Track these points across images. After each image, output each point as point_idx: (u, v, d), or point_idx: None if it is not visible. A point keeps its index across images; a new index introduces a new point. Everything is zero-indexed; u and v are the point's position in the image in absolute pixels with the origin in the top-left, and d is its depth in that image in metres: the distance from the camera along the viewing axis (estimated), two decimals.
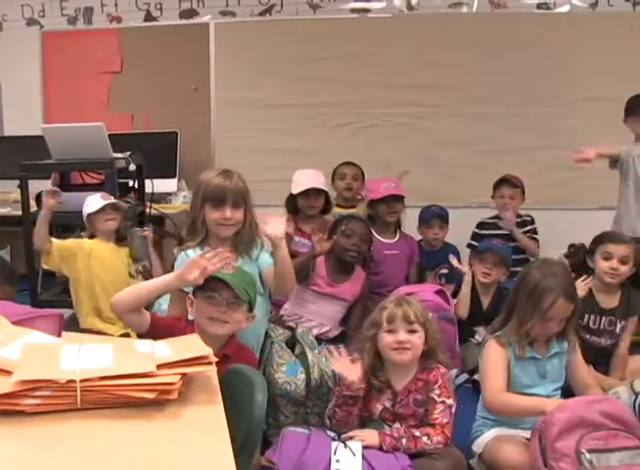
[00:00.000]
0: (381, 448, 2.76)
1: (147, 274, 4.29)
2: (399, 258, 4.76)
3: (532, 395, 2.99)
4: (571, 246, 4.15)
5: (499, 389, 2.92)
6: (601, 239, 4.00)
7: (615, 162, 4.81)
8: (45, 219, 4.14)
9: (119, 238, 4.35)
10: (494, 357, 3.00)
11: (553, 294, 2.93)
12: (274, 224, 3.14)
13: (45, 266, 4.32)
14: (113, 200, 4.24)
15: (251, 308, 2.94)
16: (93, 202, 4.20)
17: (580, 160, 4.53)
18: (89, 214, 4.21)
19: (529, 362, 3.03)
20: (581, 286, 3.73)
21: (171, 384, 1.73)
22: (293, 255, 3.97)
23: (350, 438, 2.79)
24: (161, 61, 6.33)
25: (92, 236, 4.29)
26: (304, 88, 6.19)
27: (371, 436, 2.80)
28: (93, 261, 4.21)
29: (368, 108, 6.17)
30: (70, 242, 4.25)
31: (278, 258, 3.17)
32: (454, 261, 4.56)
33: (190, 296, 2.91)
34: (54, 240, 4.19)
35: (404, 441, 2.77)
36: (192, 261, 2.80)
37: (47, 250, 4.16)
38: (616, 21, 5.97)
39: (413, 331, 2.92)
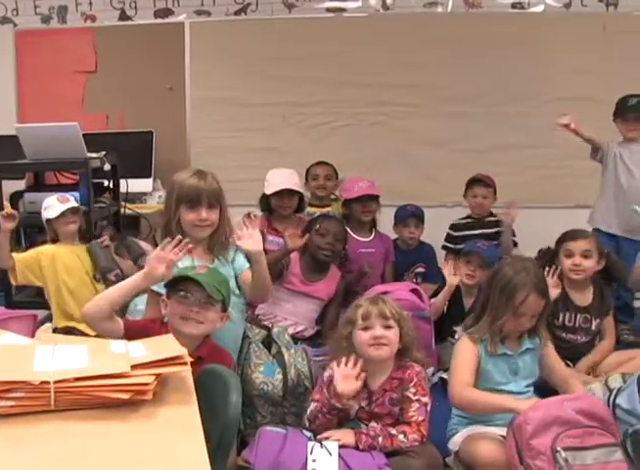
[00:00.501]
0: (357, 447, 2.76)
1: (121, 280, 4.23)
2: (375, 257, 4.77)
3: (504, 391, 3.01)
4: (540, 251, 4.18)
5: (466, 385, 2.93)
6: (561, 239, 4.09)
7: (595, 152, 4.87)
8: (4, 241, 4.08)
9: (83, 237, 4.31)
10: (464, 354, 3.02)
11: (525, 289, 2.96)
12: (252, 239, 3.13)
13: (16, 283, 4.25)
14: (71, 203, 4.17)
15: (224, 308, 2.93)
16: (51, 206, 4.14)
17: (562, 124, 4.63)
18: (48, 219, 4.16)
19: (501, 359, 3.05)
20: (552, 283, 3.75)
21: (146, 384, 1.73)
22: (266, 253, 4.01)
23: (327, 438, 2.79)
24: (136, 60, 6.30)
25: (54, 239, 4.25)
26: (280, 87, 6.18)
27: (347, 435, 2.80)
28: (58, 267, 4.16)
29: (344, 107, 6.18)
30: (32, 252, 4.19)
31: (257, 271, 3.17)
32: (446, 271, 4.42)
33: (163, 298, 2.89)
34: (15, 256, 4.13)
35: (380, 439, 2.78)
36: (154, 257, 2.80)
37: (12, 267, 4.12)
38: (589, 21, 6.01)
39: (389, 327, 2.93)
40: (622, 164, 4.85)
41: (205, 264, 2.98)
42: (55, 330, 4.09)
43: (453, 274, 4.28)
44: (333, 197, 5.30)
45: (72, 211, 4.17)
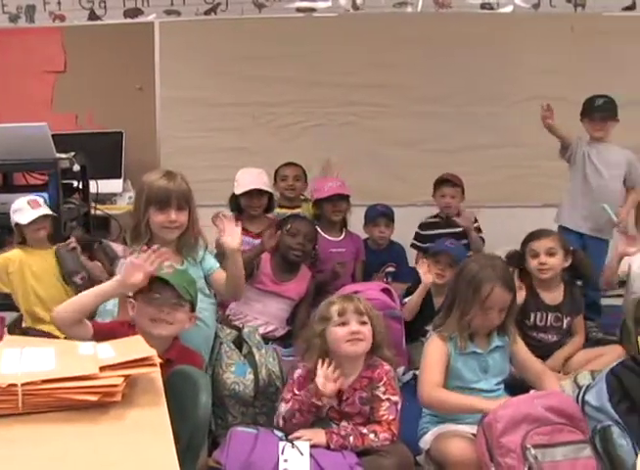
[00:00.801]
0: (328, 447, 2.77)
1: (88, 284, 4.16)
2: (345, 257, 4.78)
3: (475, 389, 3.02)
4: (507, 255, 4.19)
5: (435, 384, 2.94)
6: (526, 240, 4.12)
7: (565, 150, 4.91)
8: None
9: (51, 240, 4.24)
10: (434, 353, 3.03)
11: (491, 282, 2.99)
12: (232, 236, 3.15)
13: None
14: (43, 209, 4.11)
15: (193, 308, 2.93)
16: (21, 210, 4.08)
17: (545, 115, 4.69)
18: (18, 224, 4.11)
19: (471, 357, 3.06)
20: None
21: (114, 386, 1.72)
22: None
23: (298, 438, 2.79)
24: (106, 60, 6.24)
25: (22, 242, 4.19)
26: (250, 87, 6.16)
27: (318, 435, 2.80)
28: (26, 274, 4.11)
29: (314, 107, 6.19)
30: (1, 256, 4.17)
31: (232, 268, 3.18)
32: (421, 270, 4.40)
33: (131, 300, 2.87)
34: None
35: (351, 438, 2.79)
36: (131, 265, 2.77)
37: None
38: (557, 21, 6.09)
39: (364, 323, 2.94)
40: (591, 163, 4.90)
41: (171, 264, 2.96)
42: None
43: (428, 273, 4.30)
44: (303, 197, 5.30)
45: (44, 217, 4.13)
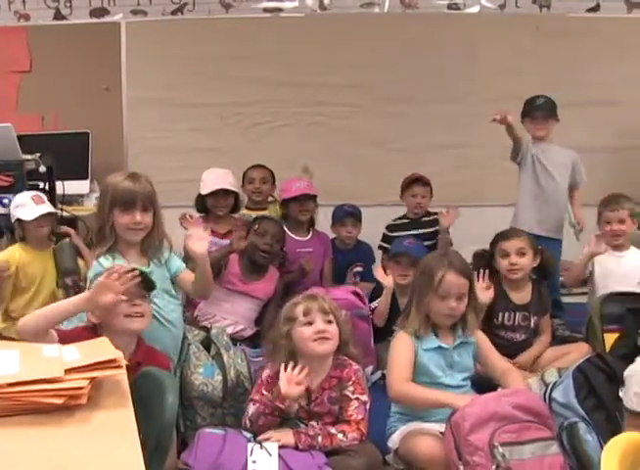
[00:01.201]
0: (297, 447, 2.77)
1: (77, 288, 4.06)
2: (313, 256, 4.78)
3: (441, 384, 3.05)
4: (475, 254, 4.22)
5: (403, 380, 2.96)
6: (495, 240, 4.15)
7: (516, 153, 4.95)
8: None
9: (50, 238, 4.23)
10: (400, 348, 3.06)
11: (442, 269, 3.06)
12: (198, 242, 3.14)
13: None
14: (47, 207, 4.10)
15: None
16: (24, 205, 4.06)
17: (498, 120, 4.67)
18: (21, 220, 4.08)
19: (436, 352, 3.09)
20: (483, 286, 3.79)
21: (80, 389, 1.71)
22: None
23: (266, 438, 2.79)
24: (72, 60, 6.20)
25: (22, 238, 4.16)
26: (218, 87, 6.15)
27: (286, 436, 2.80)
28: (20, 275, 4.09)
29: (282, 107, 6.19)
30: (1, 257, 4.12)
31: (200, 272, 3.18)
32: (379, 276, 4.47)
33: None
34: None
35: (320, 438, 2.79)
36: (100, 283, 2.73)
37: None
38: (522, 22, 6.15)
39: (329, 322, 2.96)
40: (540, 164, 4.94)
41: (121, 265, 2.93)
42: None
43: (385, 276, 4.33)
44: (271, 199, 5.29)
45: (48, 214, 4.10)
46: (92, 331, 2.85)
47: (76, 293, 3.89)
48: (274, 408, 2.87)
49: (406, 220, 5.27)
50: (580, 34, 6.08)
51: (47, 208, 4.11)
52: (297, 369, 2.86)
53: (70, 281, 4.07)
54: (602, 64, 6.05)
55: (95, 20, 6.30)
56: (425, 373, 3.06)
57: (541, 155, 4.94)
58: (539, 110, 4.93)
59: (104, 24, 6.28)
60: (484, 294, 3.72)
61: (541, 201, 4.96)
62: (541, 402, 2.93)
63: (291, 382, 2.83)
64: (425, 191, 5.20)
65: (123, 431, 1.66)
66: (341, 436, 2.81)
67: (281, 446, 2.74)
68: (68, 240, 4.26)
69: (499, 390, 3.04)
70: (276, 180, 5.26)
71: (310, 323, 2.94)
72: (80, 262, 4.24)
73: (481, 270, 3.85)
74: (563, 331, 4.72)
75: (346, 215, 5.06)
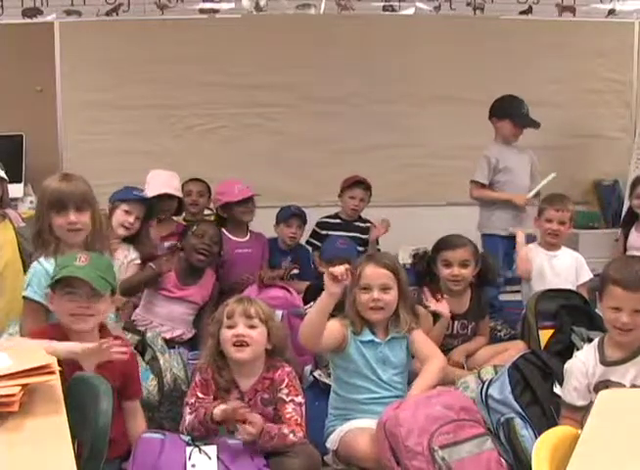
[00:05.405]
0: (253, 443, 2.74)
1: None
2: (252, 257, 4.79)
3: (372, 379, 3.11)
4: (415, 255, 4.22)
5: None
6: (438, 247, 4.01)
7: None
8: None
9: None
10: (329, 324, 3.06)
11: (363, 263, 3.18)
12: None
13: None
14: None
15: (113, 292, 2.89)
16: None
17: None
18: None
19: (369, 346, 3.13)
20: (434, 304, 3.81)
21: (12, 395, 1.70)
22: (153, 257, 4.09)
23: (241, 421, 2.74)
24: (4, 61, 6.07)
25: None
26: (154, 89, 6.09)
27: (256, 426, 2.73)
28: None
29: (218, 109, 6.17)
30: None
31: None
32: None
33: (48, 290, 2.81)
34: None
35: (276, 439, 2.76)
36: (94, 350, 2.62)
37: None
38: (457, 23, 6.22)
39: (253, 327, 2.93)
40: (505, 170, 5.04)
41: (86, 253, 2.89)
42: None
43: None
44: (208, 213, 5.28)
45: None
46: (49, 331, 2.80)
47: None
48: (207, 427, 2.82)
49: (339, 220, 5.29)
50: (513, 35, 6.20)
51: None
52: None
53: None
54: (534, 63, 6.16)
55: (27, 20, 6.19)
56: (356, 367, 3.11)
57: (504, 159, 5.06)
58: (526, 121, 5.06)
59: (37, 25, 6.15)
60: (440, 307, 3.78)
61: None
62: (466, 398, 3.02)
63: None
64: (364, 195, 5.22)
65: (56, 438, 1.65)
66: (292, 436, 2.78)
67: (224, 447, 2.72)
68: None
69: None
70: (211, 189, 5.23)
71: (232, 327, 2.93)
72: None
73: (425, 288, 3.86)
74: (500, 333, 4.71)
75: (292, 216, 5.04)
